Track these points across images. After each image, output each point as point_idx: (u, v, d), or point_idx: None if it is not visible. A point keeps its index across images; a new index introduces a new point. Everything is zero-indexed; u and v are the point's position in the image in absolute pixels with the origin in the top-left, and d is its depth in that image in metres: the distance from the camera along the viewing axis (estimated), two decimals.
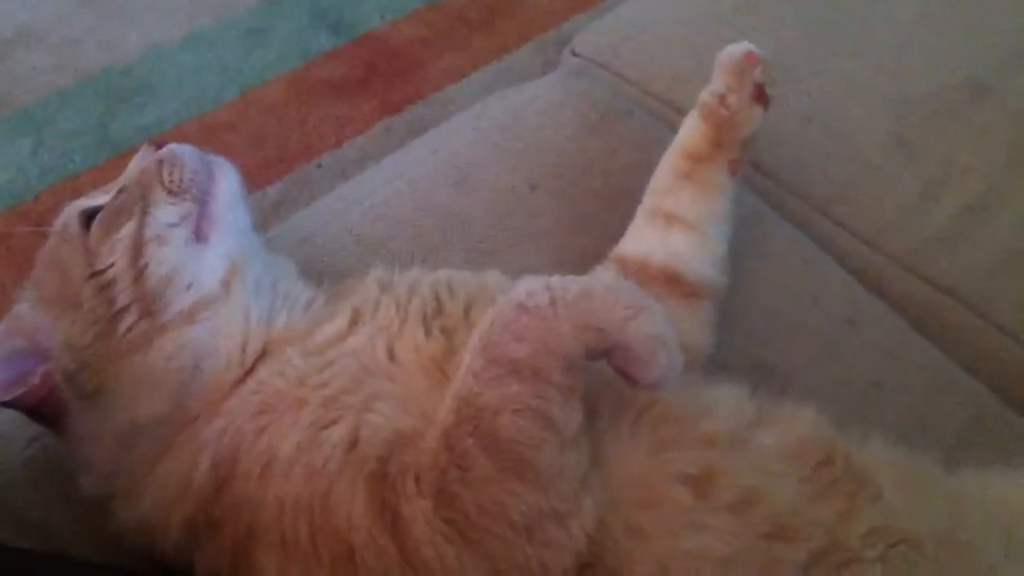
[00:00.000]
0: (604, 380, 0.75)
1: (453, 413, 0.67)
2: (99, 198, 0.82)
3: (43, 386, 0.76)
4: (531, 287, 0.69)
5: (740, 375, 0.83)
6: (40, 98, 2.16)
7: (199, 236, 0.80)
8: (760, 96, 0.93)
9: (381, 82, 2.24)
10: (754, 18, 1.34)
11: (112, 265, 0.77)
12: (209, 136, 2.11)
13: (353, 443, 0.70)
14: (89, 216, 0.80)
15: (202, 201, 0.81)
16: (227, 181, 0.83)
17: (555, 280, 0.69)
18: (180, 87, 2.21)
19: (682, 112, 1.23)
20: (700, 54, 1.28)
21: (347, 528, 0.67)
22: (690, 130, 0.97)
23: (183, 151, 0.82)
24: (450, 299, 0.83)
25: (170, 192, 0.80)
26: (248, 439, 0.73)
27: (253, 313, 0.80)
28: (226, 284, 0.79)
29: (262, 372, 0.77)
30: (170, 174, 0.81)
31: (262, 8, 2.39)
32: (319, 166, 2.06)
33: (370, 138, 2.11)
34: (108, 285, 0.76)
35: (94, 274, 0.77)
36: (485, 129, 1.19)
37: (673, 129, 1.21)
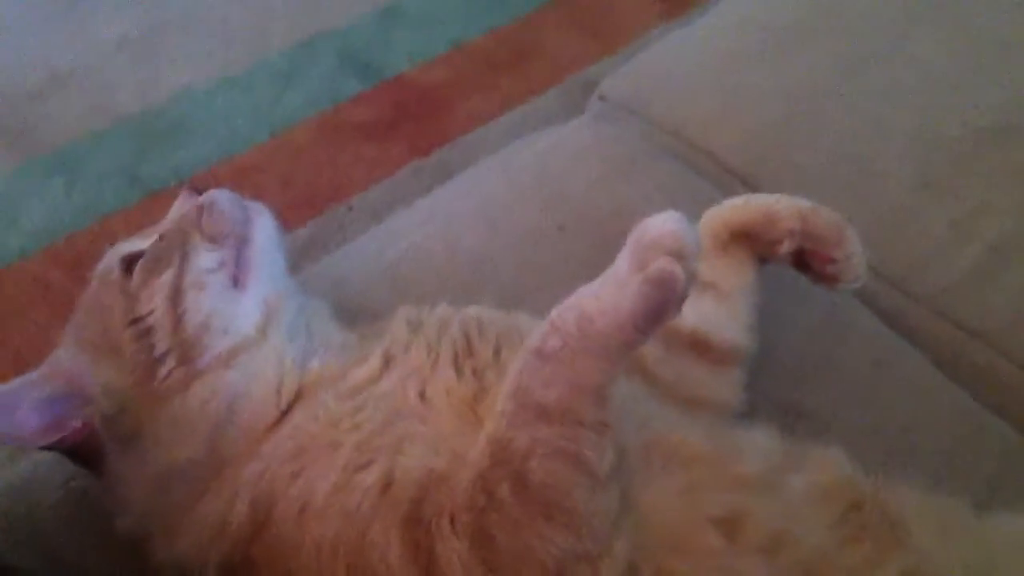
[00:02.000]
0: (635, 422, 0.76)
1: (487, 456, 0.67)
2: (140, 243, 0.84)
3: (83, 429, 0.78)
4: (543, 332, 0.69)
5: (768, 417, 0.83)
6: (74, 140, 2.20)
7: (236, 282, 0.82)
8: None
9: (410, 125, 2.27)
10: (783, 60, 1.34)
11: (152, 311, 0.78)
12: (240, 178, 2.13)
13: (387, 485, 0.71)
14: (130, 261, 0.82)
15: (240, 247, 0.83)
16: (264, 227, 0.85)
17: (557, 317, 0.69)
18: (211, 129, 2.25)
19: (710, 156, 1.25)
20: (727, 97, 1.31)
21: (383, 570, 0.68)
22: (744, 209, 0.96)
23: (222, 197, 0.84)
24: (480, 340, 0.84)
25: (209, 238, 0.82)
26: (284, 482, 0.74)
27: (288, 357, 0.81)
28: (262, 329, 0.81)
29: (297, 415, 0.78)
30: (209, 220, 0.83)
31: (292, 52, 2.42)
32: (349, 208, 2.08)
33: (399, 180, 2.13)
34: (148, 331, 0.78)
35: (135, 320, 0.78)
36: (514, 173, 1.21)
37: (701, 173, 1.22)
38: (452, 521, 0.67)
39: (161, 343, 0.77)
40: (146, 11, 2.49)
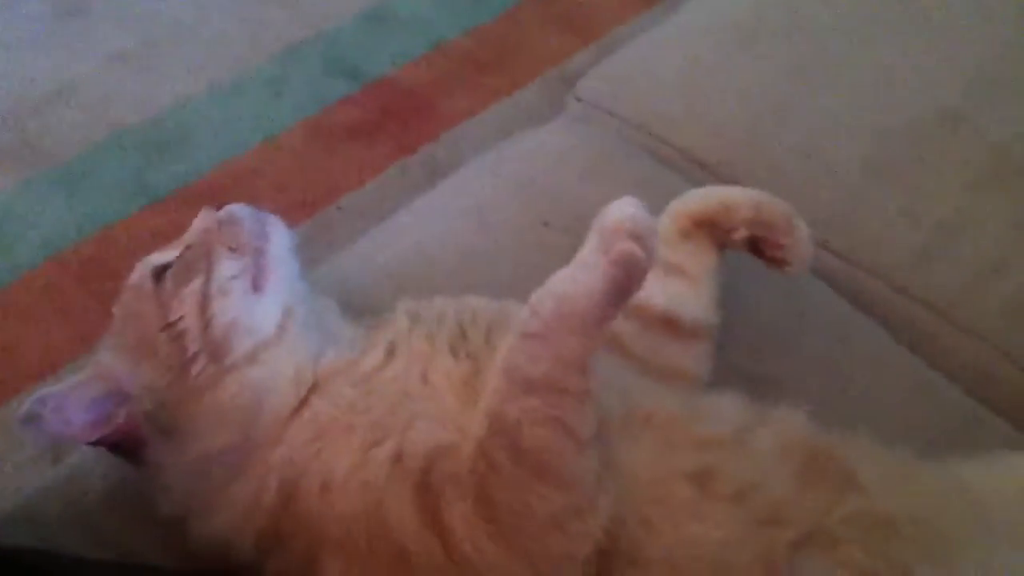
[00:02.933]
0: (614, 392, 0.85)
1: (484, 428, 0.76)
2: (167, 255, 0.92)
3: (126, 425, 0.87)
4: (525, 314, 0.78)
5: (736, 386, 0.92)
6: (76, 152, 2.26)
7: (257, 287, 0.90)
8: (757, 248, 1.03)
9: (395, 124, 2.35)
10: (748, 60, 1.44)
11: (183, 317, 0.86)
12: (236, 182, 2.21)
13: (398, 458, 0.79)
14: (160, 272, 0.90)
15: (258, 255, 0.91)
16: (279, 237, 0.93)
17: (536, 301, 0.77)
18: (207, 137, 2.32)
19: (683, 152, 1.34)
20: (697, 97, 1.40)
21: (399, 531, 0.77)
22: (704, 199, 1.04)
23: (241, 212, 0.93)
24: (473, 327, 0.92)
25: (230, 249, 0.90)
26: (307, 462, 0.82)
27: (305, 352, 0.89)
28: (281, 328, 0.89)
29: (315, 403, 0.86)
30: (230, 232, 0.91)
31: (279, 59, 2.50)
32: (339, 208, 2.16)
33: (387, 179, 2.22)
34: (180, 335, 0.86)
35: (168, 325, 0.86)
36: (500, 173, 1.30)
37: (674, 169, 1.31)
38: (457, 485, 0.76)
39: (192, 345, 0.85)
40: (141, 25, 2.56)
